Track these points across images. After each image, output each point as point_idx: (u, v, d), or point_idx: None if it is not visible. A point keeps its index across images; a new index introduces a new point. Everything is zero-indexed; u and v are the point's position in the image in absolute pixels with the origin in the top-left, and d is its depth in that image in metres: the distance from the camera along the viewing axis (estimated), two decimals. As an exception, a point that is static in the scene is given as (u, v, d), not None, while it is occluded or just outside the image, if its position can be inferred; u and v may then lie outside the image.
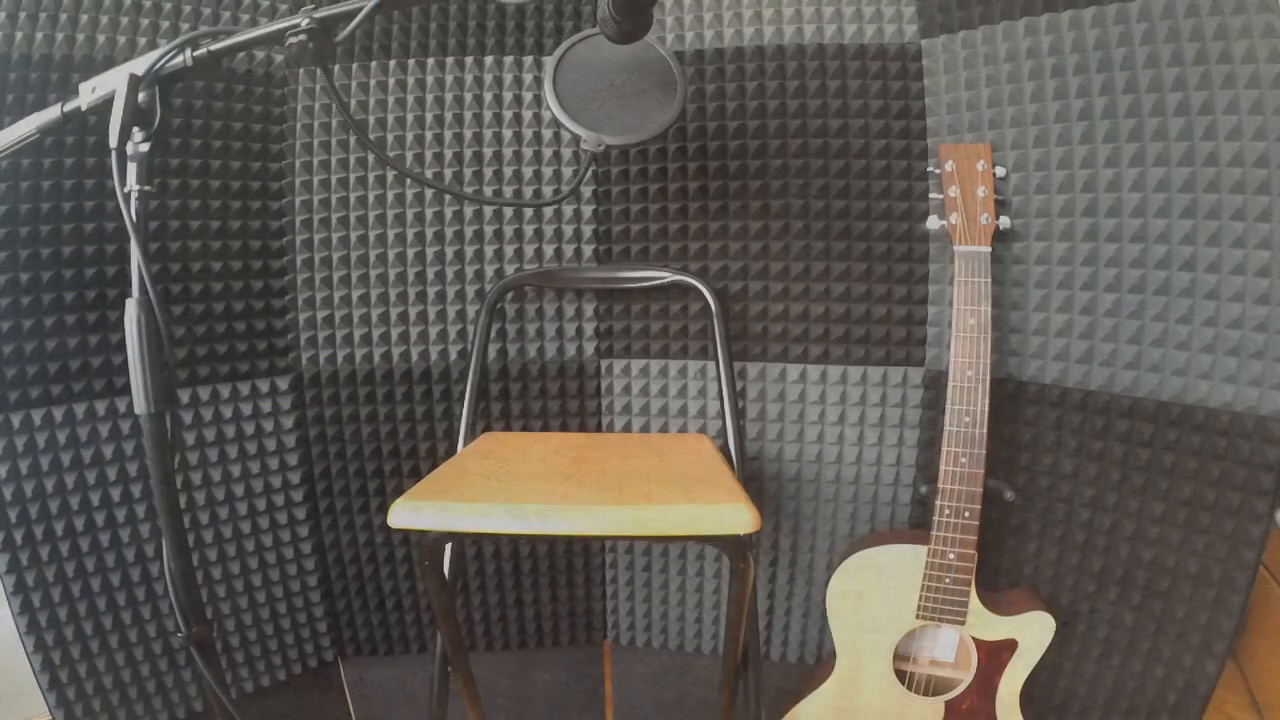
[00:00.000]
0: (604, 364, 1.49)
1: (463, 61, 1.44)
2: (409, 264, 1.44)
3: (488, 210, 1.43)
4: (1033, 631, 1.21)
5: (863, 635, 1.29)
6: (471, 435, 1.30)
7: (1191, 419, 1.16)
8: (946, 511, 1.20)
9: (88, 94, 0.94)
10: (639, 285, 1.40)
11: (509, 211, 1.44)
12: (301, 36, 0.86)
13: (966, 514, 1.19)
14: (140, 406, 0.91)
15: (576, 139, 1.20)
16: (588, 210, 1.45)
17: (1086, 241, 1.23)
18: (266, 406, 1.41)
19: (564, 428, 1.50)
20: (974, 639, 1.23)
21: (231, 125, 1.37)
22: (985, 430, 1.18)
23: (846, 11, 1.38)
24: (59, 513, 1.24)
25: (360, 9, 0.88)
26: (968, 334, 1.20)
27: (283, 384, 1.42)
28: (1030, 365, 1.28)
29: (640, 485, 1.01)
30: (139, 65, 0.91)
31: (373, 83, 1.43)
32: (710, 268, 1.43)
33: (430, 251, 1.44)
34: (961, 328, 1.21)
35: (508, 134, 1.43)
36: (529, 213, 1.44)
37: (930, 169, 1.34)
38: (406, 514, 0.97)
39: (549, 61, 1.20)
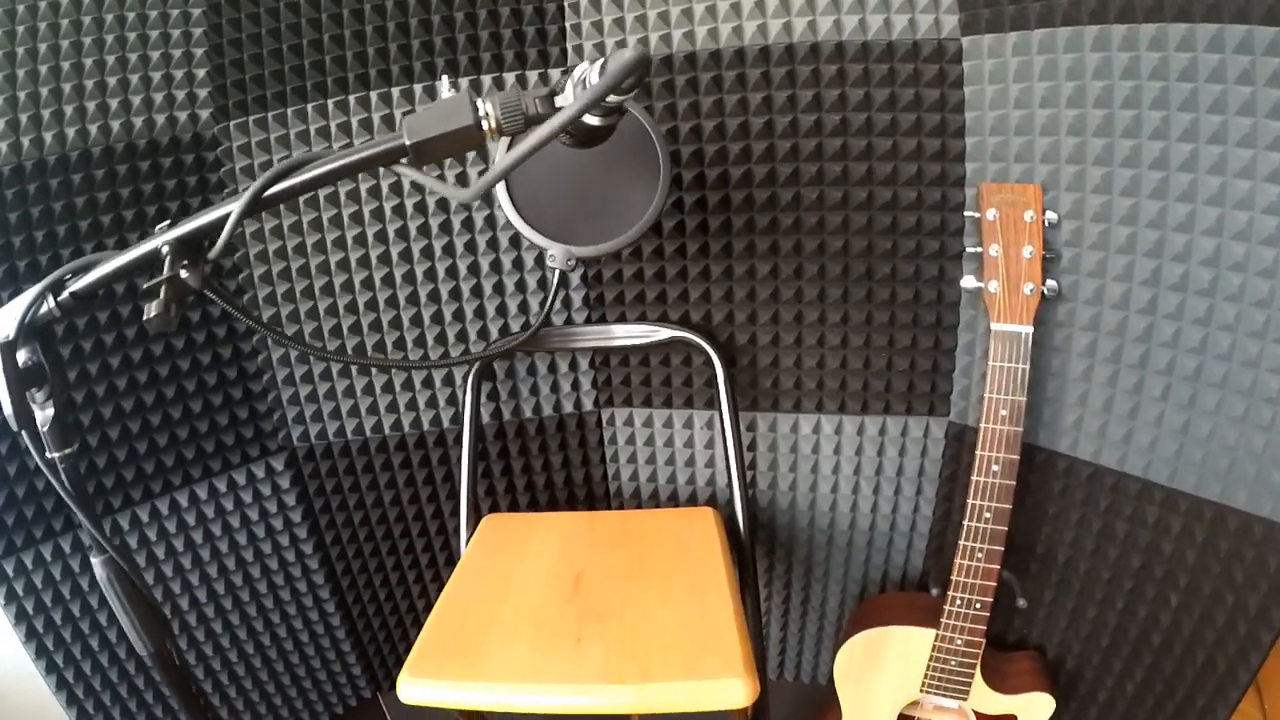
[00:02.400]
0: (605, 414, 1.41)
1: (411, 92, 1.23)
2: (385, 330, 1.33)
3: (462, 266, 1.29)
4: (1032, 711, 1.22)
5: (867, 702, 1.31)
6: (474, 518, 1.27)
7: (1224, 522, 1.07)
8: (958, 602, 1.17)
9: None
10: (636, 344, 1.28)
11: (485, 265, 1.29)
12: (157, 305, 0.71)
13: (978, 605, 1.16)
14: (140, 648, 0.90)
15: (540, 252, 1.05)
16: (573, 274, 1.30)
17: (1142, 315, 1.07)
18: (266, 489, 1.38)
19: (569, 481, 1.46)
20: (975, 712, 1.25)
21: (167, 206, 1.22)
22: (1006, 527, 1.12)
23: (870, -1, 1.12)
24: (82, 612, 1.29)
25: (226, 216, 0.74)
26: (997, 426, 1.10)
27: (278, 464, 1.38)
28: (1064, 437, 1.18)
29: (641, 645, 0.99)
30: (6, 322, 0.79)
31: (312, 130, 1.23)
32: (714, 316, 1.29)
33: (406, 316, 1.32)
34: (991, 418, 1.10)
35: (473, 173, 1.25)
36: (508, 264, 1.29)
37: (968, 213, 1.15)
38: (417, 690, 0.99)
39: (498, 155, 1.01)
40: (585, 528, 1.24)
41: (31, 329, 0.80)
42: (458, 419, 1.39)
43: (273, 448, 1.37)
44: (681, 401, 1.38)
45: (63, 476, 0.82)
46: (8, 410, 0.78)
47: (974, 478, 1.12)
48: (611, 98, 0.70)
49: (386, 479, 1.44)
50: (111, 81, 1.17)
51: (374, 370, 1.34)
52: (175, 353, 1.25)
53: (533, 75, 1.23)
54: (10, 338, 0.78)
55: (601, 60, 0.70)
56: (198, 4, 1.20)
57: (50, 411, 0.81)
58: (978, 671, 1.21)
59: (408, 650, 1.58)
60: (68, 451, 0.82)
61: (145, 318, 0.71)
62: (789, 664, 1.61)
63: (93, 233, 1.18)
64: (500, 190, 0.99)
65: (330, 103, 1.23)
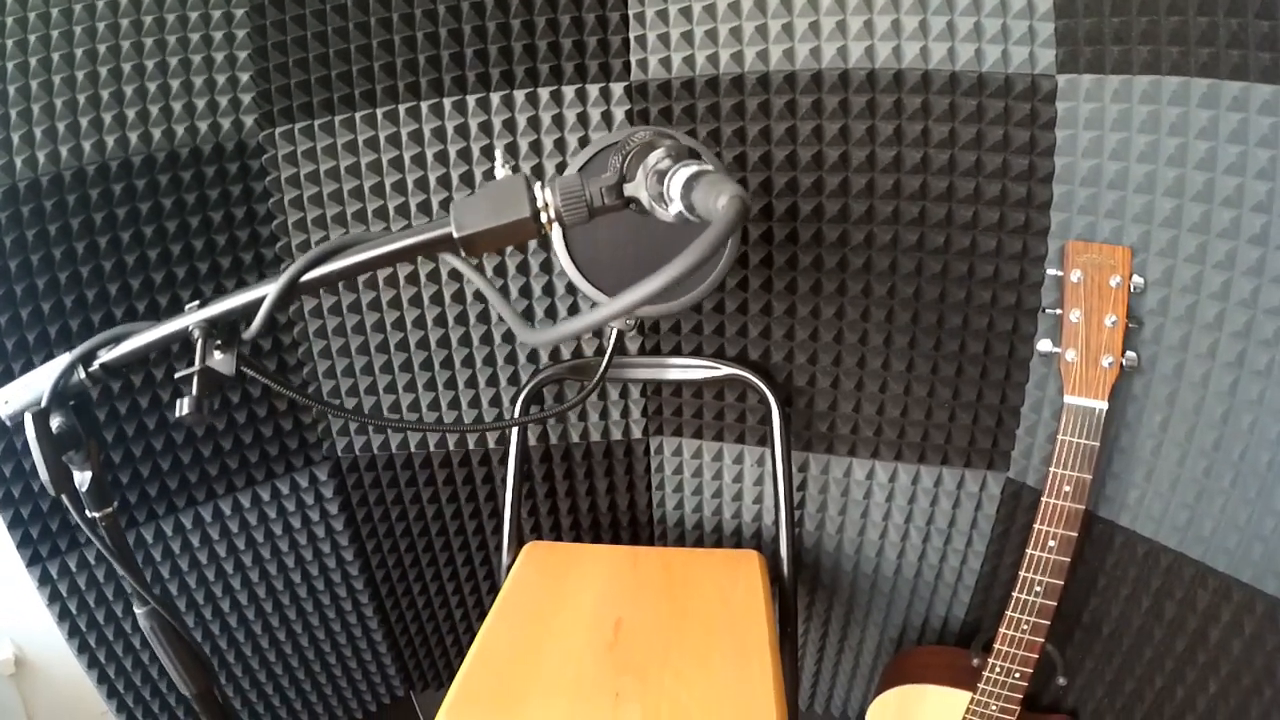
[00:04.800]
0: (653, 443, 1.38)
1: (463, 103, 1.17)
2: (433, 348, 1.29)
3: (514, 288, 1.24)
4: (1063, 781, 1.22)
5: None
6: (516, 542, 1.26)
7: (1274, 617, 1.02)
8: (997, 669, 1.14)
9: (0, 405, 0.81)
10: (690, 379, 1.24)
11: (538, 288, 1.24)
12: (189, 402, 0.69)
13: (1017, 675, 1.13)
14: (185, 691, 0.91)
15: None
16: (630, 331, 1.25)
17: (1220, 399, 1.00)
18: (310, 498, 1.37)
19: (613, 508, 1.44)
20: (1005, 778, 1.24)
21: (210, 216, 1.17)
22: (1055, 602, 1.09)
23: (960, 25, 1.02)
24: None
25: (261, 298, 0.71)
26: (1059, 501, 1.05)
27: (321, 474, 1.37)
28: (1125, 512, 1.13)
29: (678, 710, 0.98)
30: (42, 388, 0.77)
31: (360, 140, 1.18)
32: (773, 354, 1.25)
33: (454, 335, 1.28)
34: (1054, 493, 1.05)
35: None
36: (560, 288, 1.24)
37: (1051, 270, 1.08)
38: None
39: (556, 239, 0.94)
40: (628, 566, 1.23)
41: (64, 397, 0.78)
42: (503, 439, 1.37)
43: (317, 457, 1.36)
44: (733, 436, 1.34)
45: (104, 535, 0.81)
46: (44, 476, 0.77)
47: (1029, 550, 1.08)
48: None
49: (430, 493, 1.43)
50: (152, 87, 1.12)
51: (420, 387, 1.32)
52: (220, 365, 1.23)
53: (593, 90, 1.16)
54: (43, 406, 0.77)
55: (692, 169, 0.63)
56: (240, 4, 1.13)
57: (88, 473, 0.80)
58: (1010, 738, 1.20)
59: (443, 653, 1.64)
60: (108, 511, 0.82)
61: (178, 414, 0.69)
62: (820, 696, 1.62)
63: (135, 243, 1.15)
64: (559, 245, 0.94)
65: (380, 112, 1.17)
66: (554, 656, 1.07)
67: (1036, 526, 1.07)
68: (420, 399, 1.33)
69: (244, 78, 1.15)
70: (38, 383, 0.79)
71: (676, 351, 1.27)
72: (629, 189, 0.68)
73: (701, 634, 1.09)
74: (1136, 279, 1.01)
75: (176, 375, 0.71)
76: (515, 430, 1.24)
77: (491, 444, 1.38)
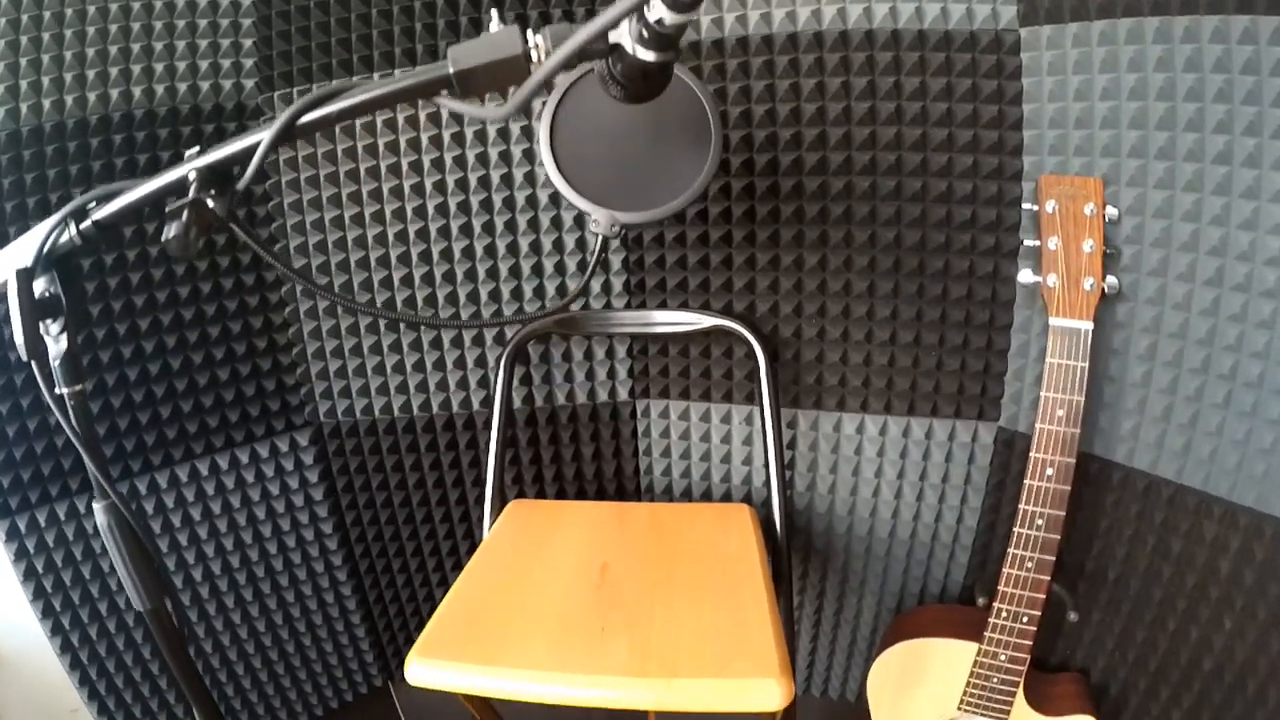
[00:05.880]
0: (640, 405, 1.37)
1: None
2: (419, 308, 1.30)
3: (501, 246, 1.27)
4: (1075, 735, 1.15)
5: (902, 719, 1.25)
6: (499, 502, 1.23)
7: None
8: (1004, 614, 1.10)
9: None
10: (676, 331, 1.24)
11: (525, 245, 1.27)
12: (178, 227, 0.68)
13: (1024, 619, 1.10)
14: (138, 603, 0.86)
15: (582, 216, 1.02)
16: (615, 240, 1.26)
17: (1205, 316, 1.01)
18: (289, 464, 1.35)
19: (599, 473, 1.42)
20: (1016, 733, 1.18)
21: (206, 168, 1.21)
22: (1059, 536, 1.06)
23: (927, -15, 1.10)
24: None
25: (256, 145, 0.71)
26: (1053, 427, 1.04)
27: (302, 439, 1.35)
28: (1120, 446, 1.12)
29: (669, 640, 0.93)
30: (25, 250, 0.77)
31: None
32: (758, 307, 1.26)
33: (441, 294, 1.30)
34: (1047, 418, 1.04)
35: (517, 151, 1.24)
36: (548, 245, 1.27)
37: (1026, 205, 1.11)
38: (427, 672, 0.93)
39: (544, 112, 0.98)
40: (615, 518, 1.20)
41: (51, 258, 0.78)
42: (488, 402, 1.36)
43: (298, 422, 1.35)
44: (720, 395, 1.33)
45: (70, 413, 0.79)
46: (19, 339, 0.75)
47: (1027, 481, 1.06)
48: (670, 18, 0.66)
49: (412, 460, 1.40)
50: (158, 46, 1.17)
51: (405, 348, 1.31)
52: (206, 319, 1.24)
53: (582, 58, 1.22)
54: (28, 265, 0.76)
55: None
56: (249, -30, 1.20)
57: (63, 345, 0.79)
58: (1020, 691, 1.14)
59: (419, 632, 1.55)
60: (78, 388, 0.79)
61: (164, 237, 0.68)
62: (817, 678, 1.55)
63: (132, 193, 1.17)
64: (545, 152, 0.96)
65: (376, 76, 1.22)
66: (537, 596, 1.03)
67: (1033, 455, 1.05)
68: (405, 359, 1.33)
69: (247, 43, 1.21)
70: (24, 245, 0.79)
71: (663, 307, 1.28)
72: (614, 35, 0.72)
73: (693, 576, 1.06)
74: (1110, 209, 1.04)
75: (168, 208, 0.71)
76: (500, 385, 1.22)
77: (477, 406, 1.36)
